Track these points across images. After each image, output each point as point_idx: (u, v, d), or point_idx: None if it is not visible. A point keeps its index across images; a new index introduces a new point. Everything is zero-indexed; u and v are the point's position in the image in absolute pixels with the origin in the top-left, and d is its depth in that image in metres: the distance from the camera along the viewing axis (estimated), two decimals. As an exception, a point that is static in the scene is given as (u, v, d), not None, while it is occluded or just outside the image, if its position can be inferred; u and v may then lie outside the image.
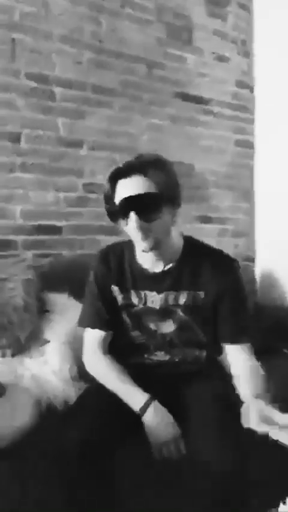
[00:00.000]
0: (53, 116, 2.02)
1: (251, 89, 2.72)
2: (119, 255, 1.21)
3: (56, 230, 2.03)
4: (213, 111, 2.56)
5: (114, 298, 1.20)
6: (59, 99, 2.04)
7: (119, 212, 1.06)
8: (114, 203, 1.06)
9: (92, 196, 2.12)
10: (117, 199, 1.05)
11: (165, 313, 1.18)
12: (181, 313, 1.18)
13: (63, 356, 1.45)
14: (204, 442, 0.98)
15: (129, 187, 1.04)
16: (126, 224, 1.06)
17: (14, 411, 1.21)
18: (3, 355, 1.44)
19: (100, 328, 1.21)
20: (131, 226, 1.04)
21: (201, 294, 1.16)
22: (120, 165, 1.07)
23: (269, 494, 0.94)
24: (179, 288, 1.16)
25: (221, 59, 2.59)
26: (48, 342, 1.50)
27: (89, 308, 1.24)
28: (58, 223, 2.03)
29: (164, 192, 1.04)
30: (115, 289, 1.20)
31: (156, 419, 1.08)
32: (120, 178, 1.05)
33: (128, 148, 2.22)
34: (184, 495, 1.00)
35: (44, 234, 1.99)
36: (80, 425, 1.02)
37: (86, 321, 1.23)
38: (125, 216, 1.05)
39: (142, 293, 1.18)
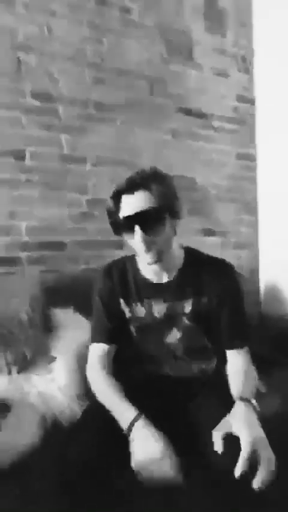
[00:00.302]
0: (57, 133, 2.06)
1: (252, 103, 2.76)
2: (122, 269, 1.26)
3: (61, 246, 2.05)
4: (214, 126, 2.59)
5: (122, 312, 1.24)
6: (62, 116, 2.07)
7: (124, 227, 1.10)
8: (119, 218, 1.11)
9: (96, 211, 2.14)
10: (122, 214, 1.10)
11: (170, 322, 1.21)
12: (186, 321, 1.21)
13: (70, 372, 1.45)
14: (217, 460, 0.96)
15: (133, 203, 1.08)
16: (131, 237, 1.10)
17: (20, 428, 1.21)
18: (9, 372, 1.45)
19: (102, 342, 1.22)
20: (136, 240, 1.08)
21: (205, 300, 1.20)
22: (123, 182, 1.11)
23: (281, 498, 0.93)
24: (183, 296, 1.20)
25: (221, 74, 2.63)
26: (55, 358, 1.51)
27: (94, 324, 1.27)
28: (63, 239, 2.06)
29: (166, 205, 1.10)
30: (122, 301, 1.23)
31: (141, 436, 1.01)
32: (123, 194, 1.10)
33: (131, 163, 2.25)
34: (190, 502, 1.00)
35: (48, 250, 2.01)
36: (80, 444, 1.01)
37: (92, 337, 1.26)
38: (130, 230, 1.09)
39: (147, 304, 1.21)
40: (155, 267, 1.18)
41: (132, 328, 1.24)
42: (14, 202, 1.94)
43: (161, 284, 1.21)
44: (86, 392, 1.39)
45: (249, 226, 2.73)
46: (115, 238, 1.16)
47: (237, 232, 2.68)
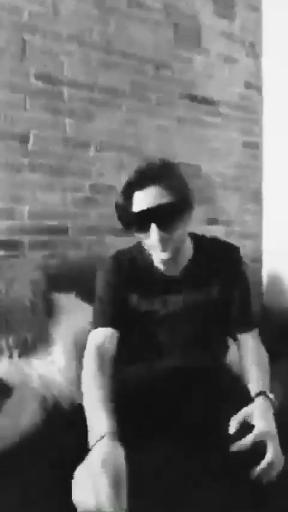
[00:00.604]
0: (61, 117, 2.03)
1: (259, 90, 2.71)
2: (133, 262, 1.19)
3: (63, 231, 2.03)
4: (220, 113, 2.55)
5: (133, 307, 1.17)
6: (67, 99, 2.04)
7: (137, 223, 1.05)
8: (131, 215, 1.06)
9: (99, 197, 2.12)
10: (135, 210, 1.05)
11: (186, 314, 1.18)
12: (201, 311, 1.18)
13: (70, 356, 1.45)
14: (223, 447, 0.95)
15: (146, 199, 1.03)
16: (145, 236, 1.06)
17: (21, 411, 1.21)
18: (11, 356, 1.45)
19: (105, 326, 1.12)
20: (153, 238, 1.03)
21: (217, 287, 1.19)
22: (133, 176, 1.06)
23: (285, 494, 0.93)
24: (197, 287, 1.18)
25: (229, 60, 2.59)
26: (55, 342, 1.50)
27: (97, 310, 1.17)
28: (65, 224, 2.04)
29: (180, 198, 1.05)
30: (134, 297, 1.17)
31: (95, 466, 0.78)
32: (135, 190, 1.05)
33: (136, 149, 2.23)
34: (193, 497, 0.99)
35: (51, 235, 2.00)
36: (78, 430, 0.98)
37: (93, 322, 1.17)
38: (144, 227, 1.04)
39: (162, 298, 1.17)
40: (164, 262, 1.12)
41: (148, 323, 1.18)
42: (16, 186, 1.92)
43: (175, 276, 1.17)
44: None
45: (254, 215, 2.71)
46: (118, 224, 1.13)
47: (242, 222, 2.66)
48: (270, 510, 0.90)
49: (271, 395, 1.05)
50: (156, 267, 1.18)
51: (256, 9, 2.70)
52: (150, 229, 1.03)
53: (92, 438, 0.86)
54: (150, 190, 1.03)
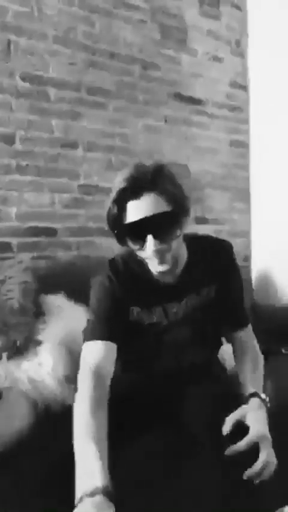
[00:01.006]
0: (48, 117, 2.01)
1: (245, 89, 2.73)
2: (130, 270, 1.12)
3: (52, 232, 2.02)
4: (207, 112, 2.56)
5: (133, 320, 1.12)
6: (53, 100, 2.03)
7: (133, 236, 0.98)
8: (125, 226, 0.98)
9: (88, 197, 2.11)
10: (128, 221, 0.97)
11: (187, 319, 1.15)
12: (199, 313, 1.15)
13: (58, 357, 1.44)
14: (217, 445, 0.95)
15: (141, 208, 0.95)
16: (140, 248, 0.99)
17: (11, 415, 1.20)
18: (0, 358, 1.43)
19: (102, 339, 1.03)
20: (149, 250, 0.96)
21: (214, 286, 1.16)
22: (125, 183, 0.96)
23: (280, 488, 0.94)
24: (195, 289, 1.14)
25: (215, 59, 2.60)
26: (42, 342, 1.49)
27: (93, 322, 1.07)
28: (54, 225, 2.02)
29: (177, 206, 0.98)
30: (135, 309, 1.11)
31: None
32: (128, 200, 0.96)
33: (123, 149, 2.22)
34: (188, 492, 0.99)
35: (39, 236, 1.98)
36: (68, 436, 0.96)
37: (89, 335, 1.05)
38: (138, 238, 0.97)
39: (162, 308, 1.12)
40: (159, 272, 1.04)
41: (149, 336, 1.15)
42: (3, 188, 1.90)
43: (173, 283, 1.11)
44: (76, 376, 1.39)
45: (242, 214, 2.72)
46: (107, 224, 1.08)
47: (230, 220, 2.67)
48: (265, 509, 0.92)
49: (263, 396, 1.04)
50: (152, 275, 1.10)
51: (241, 8, 2.71)
52: (147, 241, 0.96)
53: (79, 490, 0.76)
54: (145, 199, 0.95)
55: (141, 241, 0.97)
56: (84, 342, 1.05)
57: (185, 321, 1.15)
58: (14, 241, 1.92)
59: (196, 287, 1.14)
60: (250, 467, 0.89)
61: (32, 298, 1.60)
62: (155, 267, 1.02)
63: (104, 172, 2.16)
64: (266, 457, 0.90)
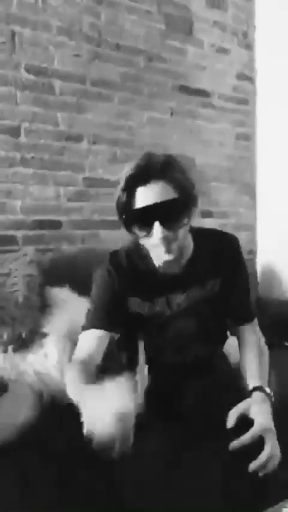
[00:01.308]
0: (53, 110, 2.01)
1: (252, 81, 2.70)
2: (130, 262, 1.13)
3: (57, 225, 2.02)
4: (213, 104, 2.54)
5: (134, 310, 1.14)
6: (58, 92, 2.02)
7: (141, 222, 0.99)
8: (133, 212, 0.99)
9: (92, 190, 2.11)
10: (137, 206, 0.99)
11: (190, 311, 1.15)
12: (205, 307, 1.16)
13: (63, 349, 1.44)
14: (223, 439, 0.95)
15: (150, 195, 0.97)
16: (147, 235, 0.99)
17: (17, 407, 1.21)
18: (5, 351, 1.44)
19: (98, 327, 1.08)
20: (156, 237, 0.97)
21: (219, 280, 1.16)
22: (136, 171, 0.98)
23: (282, 484, 0.94)
24: (199, 281, 1.14)
25: (222, 51, 2.57)
26: (47, 334, 1.50)
27: (91, 311, 1.13)
28: (58, 218, 2.02)
29: (185, 195, 1.00)
30: (134, 300, 1.12)
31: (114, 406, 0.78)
32: (138, 186, 0.98)
33: (129, 141, 2.21)
34: (191, 488, 1.00)
35: (44, 229, 1.98)
36: (69, 429, 0.96)
37: (86, 324, 1.11)
38: (146, 225, 0.98)
39: (165, 299, 1.13)
40: (164, 262, 1.06)
41: (152, 326, 1.15)
42: (8, 180, 1.90)
43: (177, 275, 1.12)
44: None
45: (247, 207, 2.71)
46: (112, 217, 1.08)
47: (236, 214, 2.65)
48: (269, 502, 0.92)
49: (268, 390, 1.04)
50: (156, 267, 1.11)
51: (248, -2, 2.68)
52: (154, 228, 0.97)
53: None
54: (155, 186, 0.97)
55: (149, 227, 0.98)
56: (82, 331, 1.11)
57: (189, 313, 1.15)
58: (19, 234, 1.93)
59: (201, 279, 1.14)
60: (254, 459, 0.89)
61: (37, 291, 1.61)
62: (160, 256, 1.02)
63: (108, 165, 2.15)
64: (271, 449, 0.90)
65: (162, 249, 0.99)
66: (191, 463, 1.04)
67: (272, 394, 1.04)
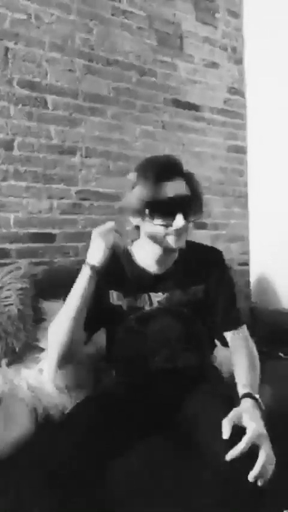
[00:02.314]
0: (46, 124, 2.02)
1: (243, 95, 2.75)
2: (116, 262, 1.21)
3: (50, 238, 2.02)
4: (205, 118, 2.58)
5: (113, 305, 1.20)
6: (51, 106, 2.04)
7: (163, 213, 1.10)
8: (160, 204, 1.09)
9: (86, 203, 2.12)
10: (163, 197, 1.09)
11: (171, 312, 1.20)
12: (186, 311, 1.20)
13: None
14: (218, 449, 0.94)
15: (176, 189, 1.10)
16: (165, 224, 1.10)
17: (10, 422, 1.19)
18: (-1, 365, 1.43)
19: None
20: (177, 224, 1.09)
21: (202, 287, 1.22)
22: (159, 169, 1.10)
23: (276, 498, 0.93)
24: (181, 286, 1.21)
25: (212, 65, 2.62)
26: (43, 349, 1.49)
27: None
28: (52, 231, 2.03)
29: (198, 195, 1.15)
30: (115, 294, 1.20)
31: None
32: (164, 180, 1.09)
33: (121, 155, 2.23)
34: (186, 498, 0.99)
35: (38, 242, 1.98)
36: (68, 441, 0.99)
37: None
38: (169, 216, 1.09)
39: (147, 295, 1.20)
40: (155, 258, 1.19)
41: (131, 321, 1.20)
42: (1, 194, 1.90)
43: (159, 275, 1.21)
44: (76, 383, 1.38)
45: (240, 218, 2.73)
46: None
47: (228, 225, 2.67)
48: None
49: (257, 396, 1.05)
50: (140, 266, 1.21)
51: (237, 15, 2.74)
52: (176, 217, 1.09)
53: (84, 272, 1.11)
54: (178, 182, 1.11)
55: (171, 217, 1.09)
56: None
57: (172, 315, 1.20)
58: (12, 247, 1.92)
59: (182, 284, 1.21)
60: (250, 467, 0.88)
61: (31, 305, 1.60)
62: (171, 243, 1.12)
63: (101, 178, 2.17)
64: (266, 454, 0.89)
65: (173, 236, 1.11)
66: (186, 473, 1.03)
67: (260, 400, 1.05)
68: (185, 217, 1.10)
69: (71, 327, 1.09)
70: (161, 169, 1.10)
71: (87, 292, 1.09)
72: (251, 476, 0.87)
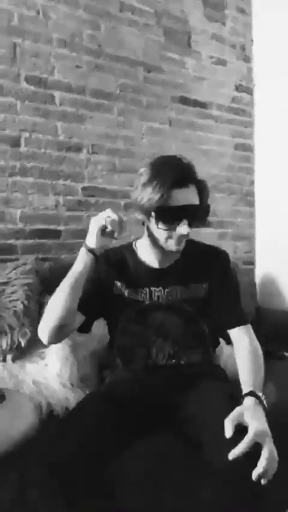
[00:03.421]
0: (53, 120, 2.02)
1: (250, 92, 2.73)
2: (120, 255, 1.26)
3: (56, 234, 2.02)
4: (212, 115, 2.56)
5: (115, 294, 1.23)
6: (58, 103, 2.04)
7: (170, 218, 1.11)
8: (167, 210, 1.09)
9: (92, 200, 2.12)
10: (172, 204, 1.09)
11: (172, 308, 1.21)
12: (187, 307, 1.21)
13: (64, 360, 1.44)
14: (220, 447, 0.93)
15: (186, 197, 1.10)
16: (170, 229, 1.11)
17: (14, 418, 1.19)
18: (4, 360, 1.43)
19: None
20: (182, 232, 1.10)
21: (204, 285, 1.23)
22: (173, 174, 1.09)
23: (277, 498, 0.93)
24: (183, 282, 1.22)
25: (220, 62, 2.60)
26: (49, 346, 1.49)
27: None
28: (58, 227, 2.03)
29: (205, 202, 1.15)
30: (118, 284, 1.23)
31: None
32: (176, 187, 1.09)
33: (128, 152, 2.23)
34: (188, 499, 0.98)
35: (43, 238, 1.99)
36: (72, 438, 0.99)
37: None
38: (175, 221, 1.10)
39: (148, 289, 1.22)
40: (156, 254, 1.21)
41: (131, 312, 1.22)
42: (8, 190, 1.91)
43: (162, 270, 1.22)
44: (80, 380, 1.38)
45: (246, 217, 2.72)
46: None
47: (235, 224, 2.66)
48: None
49: (260, 394, 1.05)
50: (142, 261, 1.24)
51: (246, 12, 2.72)
52: (181, 225, 1.10)
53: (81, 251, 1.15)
54: (190, 190, 1.11)
55: (176, 223, 1.11)
56: None
57: (173, 311, 1.21)
58: (18, 243, 1.93)
59: (183, 280, 1.22)
60: (253, 467, 0.87)
61: (36, 300, 1.60)
62: (171, 246, 1.15)
63: (108, 175, 2.17)
64: (269, 453, 0.89)
65: (174, 242, 1.13)
66: (188, 471, 1.03)
67: (263, 397, 1.04)
68: (190, 225, 1.11)
69: (65, 301, 1.13)
70: (176, 175, 1.10)
71: (82, 271, 1.14)
72: (254, 475, 0.86)
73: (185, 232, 1.10)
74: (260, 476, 0.86)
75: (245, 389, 1.07)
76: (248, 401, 1.02)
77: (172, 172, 1.10)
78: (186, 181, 1.10)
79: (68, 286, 1.14)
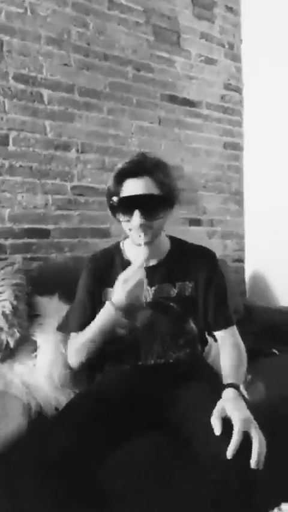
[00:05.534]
0: (41, 119, 2.01)
1: (239, 91, 2.74)
2: (108, 257, 1.28)
3: (45, 233, 2.01)
4: (201, 114, 2.57)
5: (104, 300, 1.22)
6: (46, 101, 2.02)
7: (123, 209, 1.14)
8: (120, 199, 1.14)
9: (81, 199, 2.11)
10: (123, 195, 1.14)
11: (159, 306, 1.22)
12: (173, 305, 1.23)
13: (54, 361, 1.43)
14: (208, 438, 0.96)
15: (136, 186, 1.12)
16: (127, 220, 1.14)
17: (4, 418, 1.19)
18: (-8, 361, 1.42)
19: (74, 330, 1.29)
20: (134, 222, 1.13)
21: (191, 284, 1.24)
22: (128, 164, 1.15)
23: (270, 492, 0.94)
24: (170, 280, 1.23)
25: (209, 61, 2.61)
26: (38, 346, 1.48)
27: (75, 311, 1.32)
28: (47, 227, 2.02)
29: (167, 194, 1.15)
30: (110, 290, 1.22)
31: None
32: (128, 177, 1.13)
33: (117, 150, 2.22)
34: (180, 497, 0.99)
35: (32, 238, 1.98)
36: (60, 437, 1.00)
37: (70, 326, 1.31)
38: (128, 212, 1.13)
39: None
40: (143, 252, 1.18)
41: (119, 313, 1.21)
42: (-4, 189, 1.90)
43: (148, 268, 1.21)
44: (70, 380, 1.38)
45: (235, 215, 2.73)
46: (100, 226, 1.16)
47: (224, 222, 2.68)
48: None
49: (238, 384, 1.08)
50: (130, 258, 1.25)
51: (235, 11, 2.73)
52: (134, 215, 1.12)
53: (105, 309, 1.16)
54: (142, 180, 1.12)
55: (130, 214, 1.13)
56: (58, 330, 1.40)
57: (161, 309, 1.22)
58: (7, 242, 1.91)
59: (170, 277, 1.24)
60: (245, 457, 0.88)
61: (25, 300, 1.59)
62: (136, 239, 1.17)
63: (97, 174, 2.16)
64: (259, 439, 0.91)
65: (139, 233, 1.15)
66: (178, 472, 1.04)
67: (243, 390, 1.08)
68: (147, 215, 1.12)
69: (89, 349, 1.22)
70: (127, 166, 1.14)
71: (105, 326, 1.17)
72: (252, 463, 0.88)
73: (137, 223, 1.12)
74: (257, 463, 0.87)
75: (225, 381, 1.10)
76: (228, 392, 1.04)
77: (127, 164, 1.15)
78: (137, 172, 1.13)
79: (98, 340, 1.20)
